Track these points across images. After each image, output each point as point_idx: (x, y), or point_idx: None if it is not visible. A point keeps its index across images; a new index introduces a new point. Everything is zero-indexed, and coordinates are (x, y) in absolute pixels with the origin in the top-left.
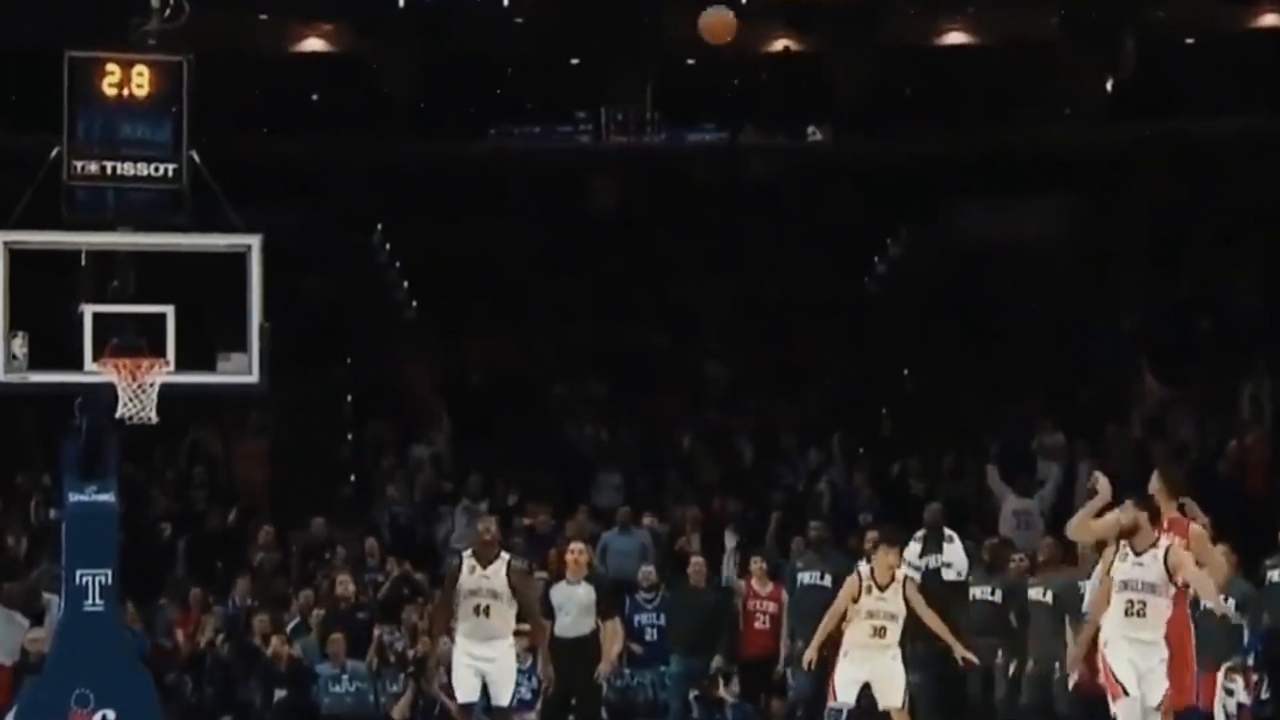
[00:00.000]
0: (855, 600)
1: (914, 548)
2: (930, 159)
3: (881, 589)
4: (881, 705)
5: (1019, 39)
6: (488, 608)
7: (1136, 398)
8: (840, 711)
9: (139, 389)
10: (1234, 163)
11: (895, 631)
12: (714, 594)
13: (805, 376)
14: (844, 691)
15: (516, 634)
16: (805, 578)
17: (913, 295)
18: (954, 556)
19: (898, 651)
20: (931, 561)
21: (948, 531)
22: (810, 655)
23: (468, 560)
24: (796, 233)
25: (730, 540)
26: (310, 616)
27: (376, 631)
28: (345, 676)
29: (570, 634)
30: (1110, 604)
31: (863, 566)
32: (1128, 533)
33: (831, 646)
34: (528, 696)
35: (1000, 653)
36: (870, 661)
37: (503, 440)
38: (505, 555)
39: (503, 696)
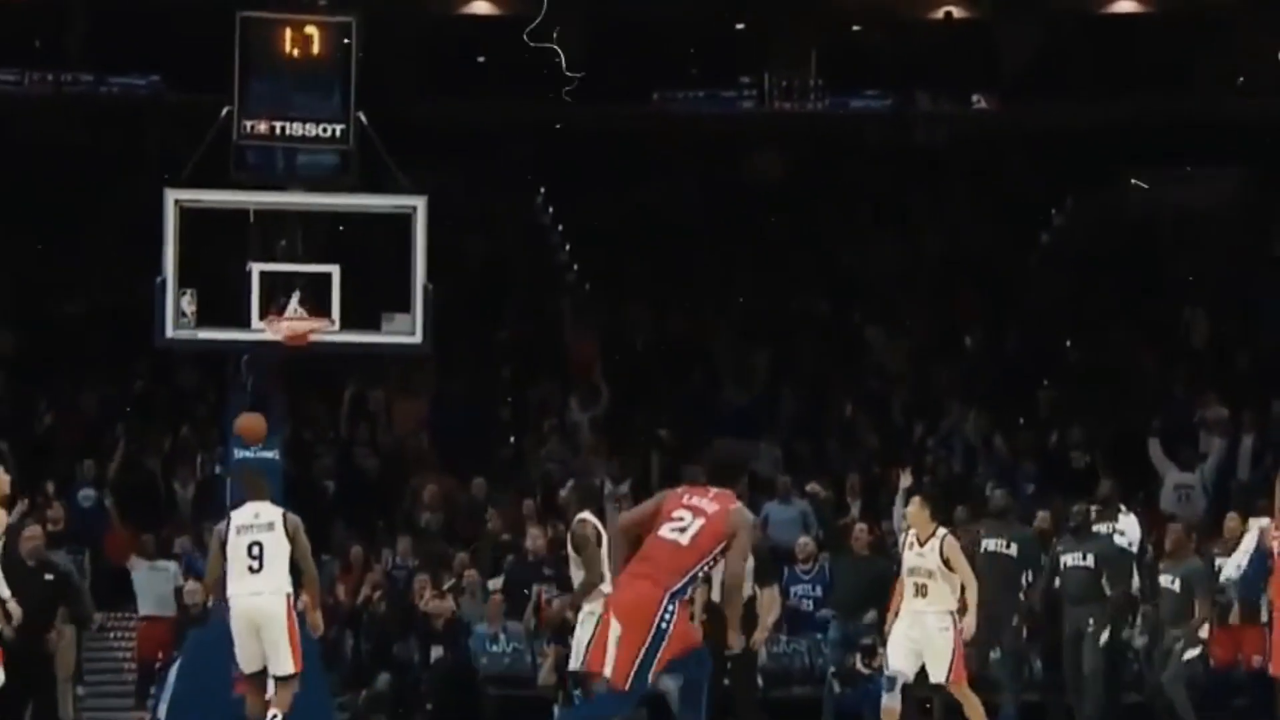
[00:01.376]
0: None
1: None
2: (1099, 128)
3: (921, 544)
4: (931, 678)
5: (1191, 7)
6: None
7: None
8: (894, 680)
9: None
10: None
11: (939, 592)
12: (880, 561)
13: (968, 344)
14: (894, 657)
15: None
16: None
17: (1078, 264)
18: (1128, 526)
19: (947, 619)
20: (1103, 529)
21: (1122, 505)
22: (888, 627)
23: None
24: (962, 200)
25: (905, 480)
26: (465, 576)
27: (535, 589)
28: (503, 636)
29: None
30: None
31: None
32: None
33: None
34: None
35: (1092, 620)
36: (920, 627)
37: (663, 405)
38: (579, 517)
39: (575, 661)
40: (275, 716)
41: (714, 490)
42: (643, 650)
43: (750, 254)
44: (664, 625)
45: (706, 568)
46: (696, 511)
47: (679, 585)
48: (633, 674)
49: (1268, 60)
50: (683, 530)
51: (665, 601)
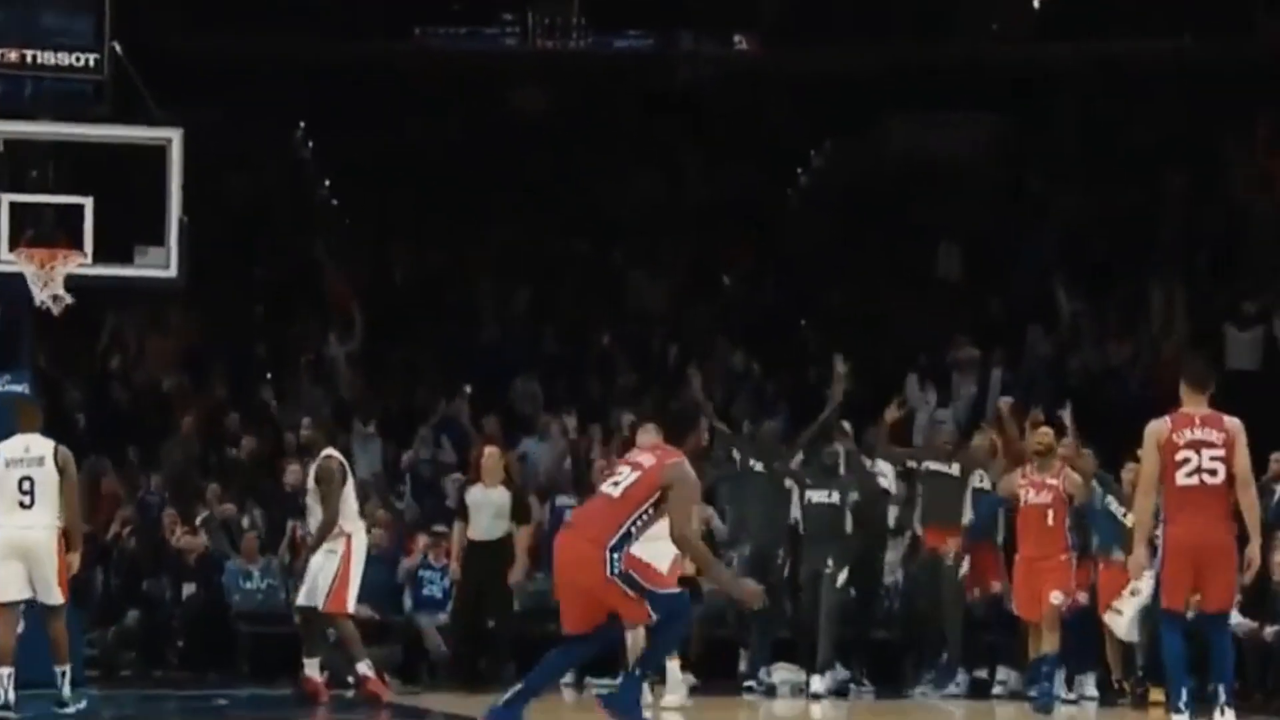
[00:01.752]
0: None
1: None
2: (858, 71)
3: None
4: None
5: None
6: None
7: (1052, 314)
8: None
9: (51, 279)
10: (1162, 84)
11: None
12: None
13: (727, 285)
14: None
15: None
16: None
17: (837, 207)
18: (885, 466)
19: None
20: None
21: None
22: None
23: None
24: (722, 141)
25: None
26: (218, 511)
27: (291, 525)
28: (256, 573)
29: (484, 537)
30: None
31: None
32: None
33: None
34: (439, 596)
35: (830, 560)
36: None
37: (421, 342)
38: (325, 453)
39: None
40: (63, 672)
41: (661, 448)
42: (624, 590)
43: (511, 192)
44: (615, 569)
45: (641, 521)
46: (635, 466)
47: (616, 539)
48: (647, 603)
49: (1023, 7)
50: (617, 484)
51: (608, 554)
